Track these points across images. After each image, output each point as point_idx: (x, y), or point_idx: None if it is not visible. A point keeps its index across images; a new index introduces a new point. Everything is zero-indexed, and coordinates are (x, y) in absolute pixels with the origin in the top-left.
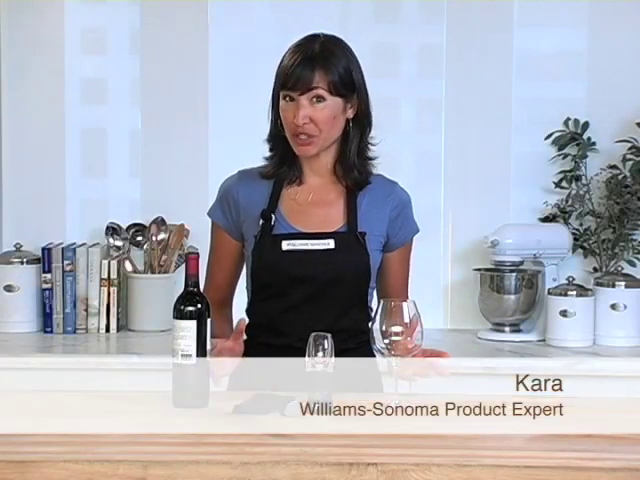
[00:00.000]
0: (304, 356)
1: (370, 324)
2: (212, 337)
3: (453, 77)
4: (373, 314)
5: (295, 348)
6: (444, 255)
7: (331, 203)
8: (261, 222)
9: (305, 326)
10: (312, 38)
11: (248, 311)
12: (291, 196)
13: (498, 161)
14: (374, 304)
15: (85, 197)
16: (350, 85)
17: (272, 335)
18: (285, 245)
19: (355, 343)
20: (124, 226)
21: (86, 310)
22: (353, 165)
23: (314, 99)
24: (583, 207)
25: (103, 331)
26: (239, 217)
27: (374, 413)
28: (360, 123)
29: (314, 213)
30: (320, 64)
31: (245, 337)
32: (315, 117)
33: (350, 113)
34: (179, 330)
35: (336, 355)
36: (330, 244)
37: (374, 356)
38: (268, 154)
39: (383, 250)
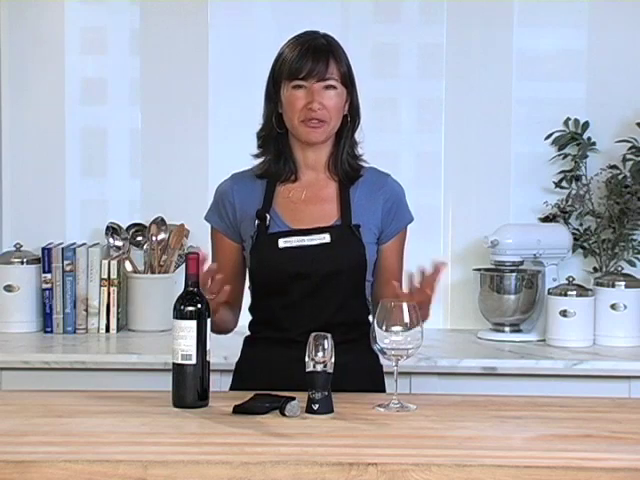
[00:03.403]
0: (306, 348)
1: (370, 317)
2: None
3: (453, 77)
4: (373, 314)
5: (297, 342)
6: (444, 255)
7: (325, 199)
8: (257, 222)
9: (306, 321)
10: (313, 33)
11: (250, 309)
12: (285, 194)
13: (498, 161)
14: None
15: (85, 197)
16: (352, 79)
17: (274, 330)
18: (282, 243)
19: (356, 334)
20: (124, 226)
21: (86, 310)
22: (345, 159)
23: (325, 87)
24: (583, 207)
25: (103, 331)
26: (236, 219)
27: (374, 413)
28: (352, 119)
29: (308, 210)
30: (332, 54)
31: (248, 333)
32: (327, 104)
33: (346, 107)
34: (179, 330)
35: (338, 346)
36: (326, 238)
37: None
38: (257, 151)
39: (378, 242)
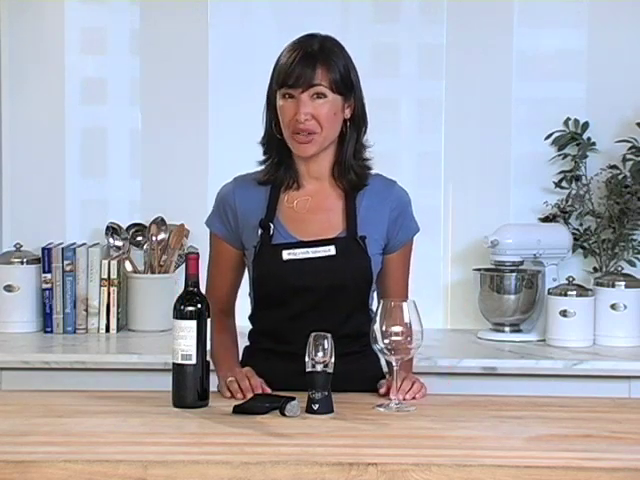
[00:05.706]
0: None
1: (371, 324)
2: (212, 347)
3: (453, 77)
4: (373, 314)
5: (298, 355)
6: (444, 255)
7: (330, 208)
8: (260, 232)
9: (308, 333)
10: (310, 37)
11: (251, 318)
12: (289, 203)
13: (498, 161)
14: (374, 306)
15: (85, 197)
16: (349, 84)
17: (275, 342)
18: (286, 255)
19: (359, 346)
20: (124, 226)
21: (86, 310)
22: (350, 167)
23: (314, 96)
24: (583, 207)
25: (103, 331)
26: (238, 226)
27: (374, 413)
28: (356, 124)
29: (313, 220)
30: (321, 61)
31: (248, 343)
32: (317, 113)
33: (347, 113)
34: (179, 330)
35: (340, 358)
36: (331, 251)
37: (377, 358)
38: (262, 158)
39: (384, 252)
